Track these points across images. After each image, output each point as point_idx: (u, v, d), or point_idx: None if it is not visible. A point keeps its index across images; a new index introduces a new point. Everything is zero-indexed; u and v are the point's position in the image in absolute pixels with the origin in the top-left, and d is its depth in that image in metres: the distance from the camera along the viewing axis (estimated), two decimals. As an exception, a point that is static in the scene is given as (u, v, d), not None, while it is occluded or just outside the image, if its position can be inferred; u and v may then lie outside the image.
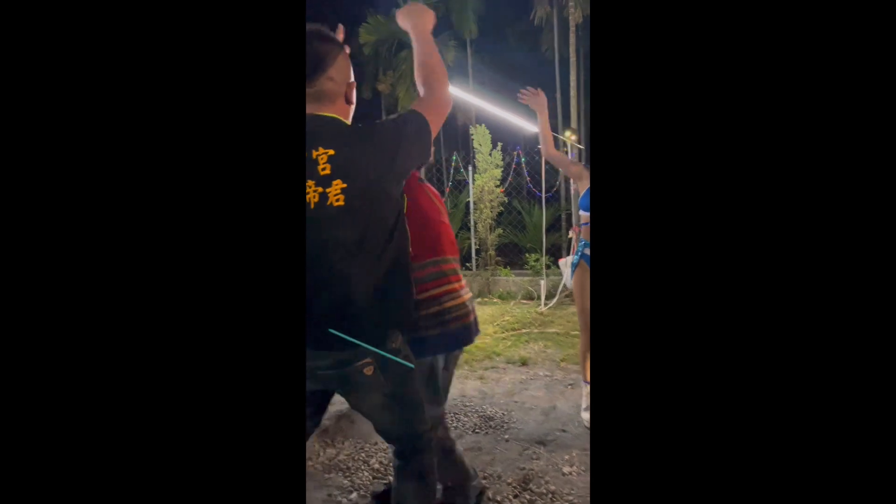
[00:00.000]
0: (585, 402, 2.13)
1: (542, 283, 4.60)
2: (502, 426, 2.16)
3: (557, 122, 13.81)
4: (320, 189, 0.96)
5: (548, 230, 5.44)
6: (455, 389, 2.65)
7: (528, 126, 4.81)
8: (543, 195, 5.13)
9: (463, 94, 4.77)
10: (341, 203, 0.96)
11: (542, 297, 4.54)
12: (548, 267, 5.09)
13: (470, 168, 5.81)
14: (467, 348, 3.57)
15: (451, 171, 7.08)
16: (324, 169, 0.97)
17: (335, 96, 1.08)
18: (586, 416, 2.08)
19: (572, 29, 11.58)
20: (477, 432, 2.13)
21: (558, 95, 13.81)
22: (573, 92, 11.70)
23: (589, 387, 2.09)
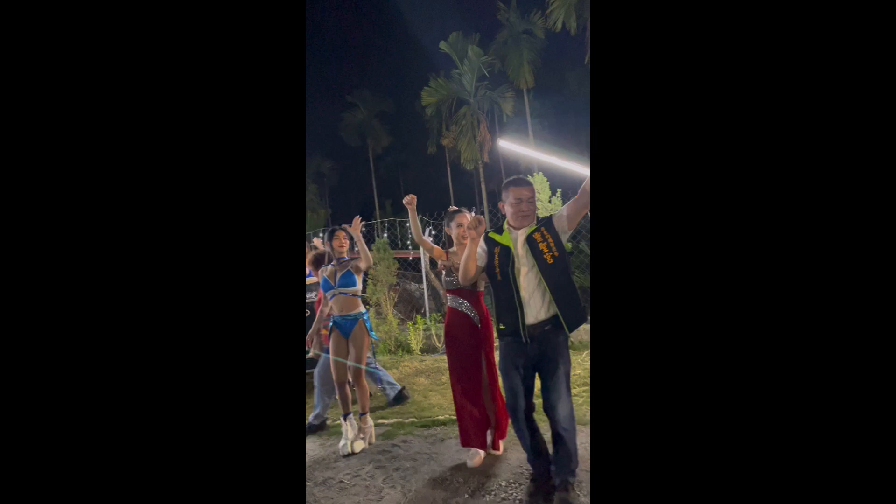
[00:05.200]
0: None
1: (615, 332, 4.30)
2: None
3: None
4: None
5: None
6: (521, 454, 2.51)
7: (581, 170, 4.75)
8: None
9: (516, 147, 4.86)
10: None
11: (617, 348, 4.23)
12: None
13: (531, 215, 5.80)
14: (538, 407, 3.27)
15: (513, 219, 7.10)
16: None
17: None
18: None
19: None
20: (542, 507, 1.98)
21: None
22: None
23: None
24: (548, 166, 5.36)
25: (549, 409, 1.94)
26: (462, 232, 2.50)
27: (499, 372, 2.09)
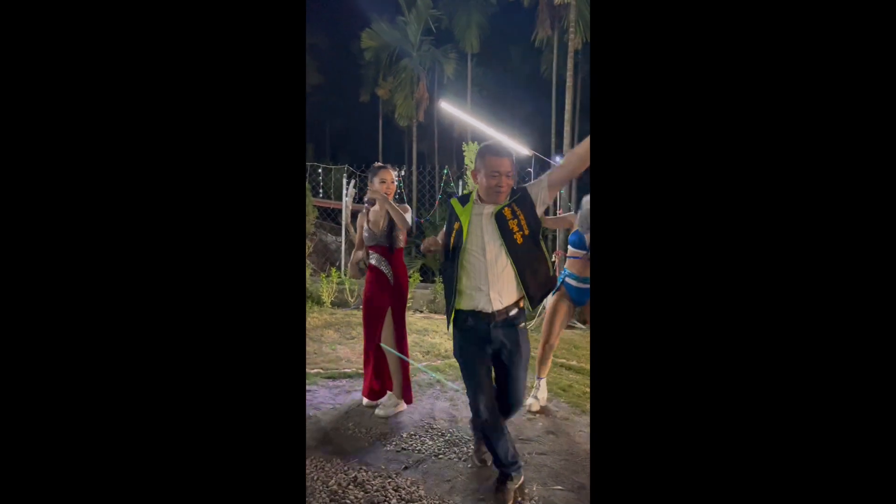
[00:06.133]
0: (535, 392, 2.73)
1: (522, 304, 4.60)
2: (467, 453, 2.15)
3: (551, 143, 13.99)
4: None
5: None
6: (424, 409, 2.63)
7: (519, 148, 4.87)
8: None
9: (456, 111, 4.82)
10: None
11: (521, 319, 4.53)
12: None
13: (460, 182, 5.85)
14: (442, 367, 3.50)
15: (442, 184, 7.12)
16: None
17: None
18: (530, 401, 2.67)
19: (570, 54, 11.80)
20: (440, 457, 2.11)
21: (553, 117, 14.00)
22: (567, 115, 11.88)
23: (543, 381, 2.76)
24: (482, 136, 5.38)
25: (512, 403, 1.79)
26: (385, 189, 2.47)
27: (459, 363, 1.83)
